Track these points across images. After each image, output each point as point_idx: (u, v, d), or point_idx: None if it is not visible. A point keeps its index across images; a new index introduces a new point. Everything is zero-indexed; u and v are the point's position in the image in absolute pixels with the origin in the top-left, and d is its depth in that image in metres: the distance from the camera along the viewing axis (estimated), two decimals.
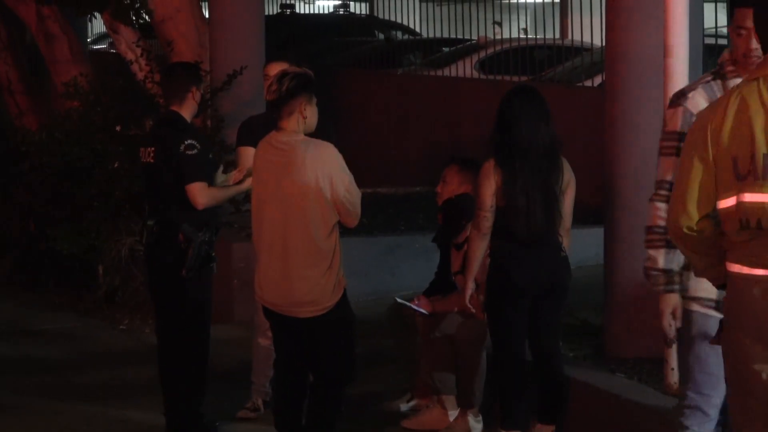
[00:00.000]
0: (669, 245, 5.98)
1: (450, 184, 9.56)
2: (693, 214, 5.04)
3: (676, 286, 5.95)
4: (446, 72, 19.77)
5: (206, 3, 15.36)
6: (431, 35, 26.52)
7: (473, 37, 24.63)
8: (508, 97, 8.63)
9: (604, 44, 11.64)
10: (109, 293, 13.81)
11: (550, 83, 14.31)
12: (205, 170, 9.30)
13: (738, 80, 5.67)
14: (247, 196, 9.31)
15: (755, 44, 5.58)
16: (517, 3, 28.31)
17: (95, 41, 22.55)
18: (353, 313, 8.61)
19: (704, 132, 5.01)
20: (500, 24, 24.48)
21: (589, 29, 18.34)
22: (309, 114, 8.41)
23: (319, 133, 8.64)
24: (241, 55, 13.98)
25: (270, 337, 8.95)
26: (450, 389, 9.43)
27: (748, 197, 4.92)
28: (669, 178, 6.00)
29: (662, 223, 5.98)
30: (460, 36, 25.24)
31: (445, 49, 22.79)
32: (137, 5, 15.49)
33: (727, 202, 4.94)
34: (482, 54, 20.55)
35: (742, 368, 4.99)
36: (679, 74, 8.04)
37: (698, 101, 5.90)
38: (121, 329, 12.88)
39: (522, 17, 28.04)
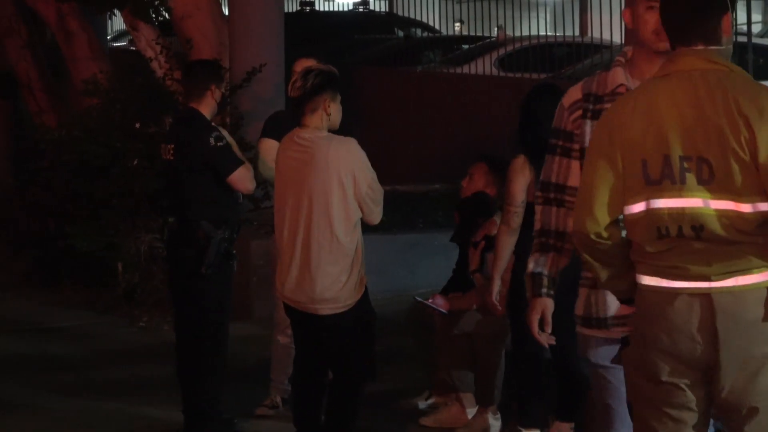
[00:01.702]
0: (542, 249, 5.89)
1: (477, 182, 9.59)
2: (601, 219, 4.93)
3: (545, 290, 5.84)
4: (466, 69, 19.79)
5: (226, 0, 15.37)
6: (450, 32, 26.57)
7: (493, 35, 24.77)
8: (537, 94, 8.64)
9: (623, 41, 11.65)
10: (128, 291, 13.85)
11: (569, 80, 14.26)
12: (237, 159, 9.36)
13: (620, 69, 5.70)
14: (266, 193, 9.31)
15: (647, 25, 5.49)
16: (537, 1, 28.36)
17: (115, 38, 22.59)
18: (374, 311, 8.64)
19: (609, 131, 4.96)
20: (503, 27, 24.54)
21: (609, 26, 18.42)
22: (333, 111, 8.45)
23: (341, 130, 8.68)
24: (260, 52, 14.01)
25: (289, 335, 9.00)
26: (468, 387, 9.46)
27: (665, 203, 4.84)
28: (543, 178, 5.95)
29: (539, 225, 5.92)
30: (479, 33, 25.37)
31: (465, 47, 22.74)
32: (157, 3, 15.52)
33: (635, 208, 4.87)
34: (501, 51, 20.55)
35: (655, 388, 4.98)
36: None
37: (572, 94, 5.81)
38: (140, 326, 12.93)
39: (542, 14, 28.09)
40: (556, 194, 5.82)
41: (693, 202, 4.71)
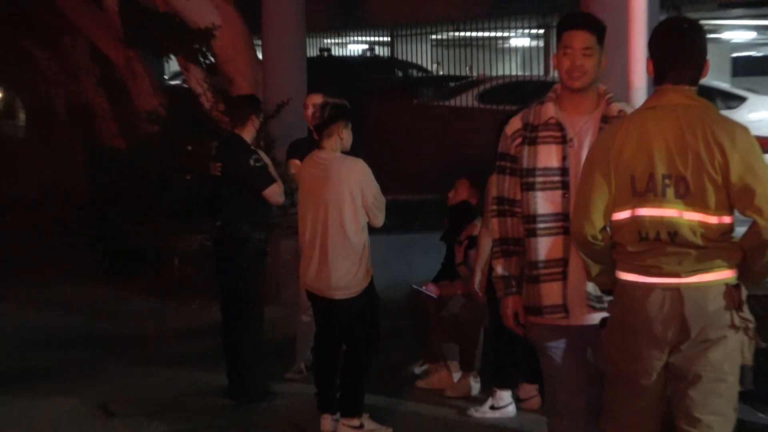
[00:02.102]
0: (505, 255, 5.88)
1: (461, 194, 9.69)
2: (597, 223, 5.07)
3: (513, 289, 5.82)
4: (452, 103, 19.80)
5: (260, 47, 15.37)
6: (440, 73, 26.56)
7: (474, 73, 24.79)
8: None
9: None
10: (182, 280, 13.92)
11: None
12: (269, 176, 9.44)
13: (550, 104, 5.71)
14: (292, 202, 9.38)
15: (579, 61, 5.57)
16: (509, 47, 28.28)
17: (171, 78, 22.56)
18: (378, 296, 8.73)
19: (605, 152, 5.05)
20: (471, 68, 24.60)
21: None
22: (345, 136, 8.58)
23: (352, 151, 8.76)
24: (287, 89, 14.04)
25: (311, 315, 9.06)
26: (454, 356, 9.54)
27: (647, 212, 4.97)
28: (495, 194, 5.97)
29: (498, 235, 5.91)
30: (463, 73, 25.36)
31: (452, 84, 22.77)
32: (204, 49, 15.53)
33: (621, 215, 5.02)
34: (481, 88, 20.57)
35: (631, 363, 5.11)
36: (639, 104, 7.94)
37: (513, 123, 5.84)
38: (192, 309, 13.01)
39: (514, 58, 28.06)
40: (509, 207, 5.84)
41: (670, 212, 4.87)
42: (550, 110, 5.72)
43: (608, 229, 5.11)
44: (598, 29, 5.70)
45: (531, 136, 5.74)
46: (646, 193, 4.92)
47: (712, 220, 4.89)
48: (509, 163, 5.81)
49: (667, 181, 4.90)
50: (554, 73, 16.85)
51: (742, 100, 21.74)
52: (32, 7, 20.07)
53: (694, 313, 4.92)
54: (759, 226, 4.83)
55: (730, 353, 4.93)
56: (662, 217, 4.90)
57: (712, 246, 4.91)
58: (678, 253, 4.92)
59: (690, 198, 4.87)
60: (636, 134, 4.98)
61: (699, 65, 5.12)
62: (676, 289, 4.94)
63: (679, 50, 5.14)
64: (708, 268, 4.93)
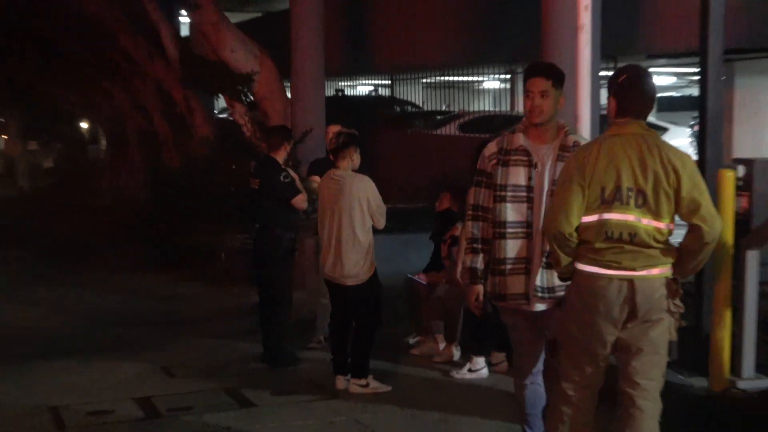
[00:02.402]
0: (474, 252, 5.94)
1: (445, 203, 9.76)
2: (574, 223, 5.13)
3: (478, 280, 5.91)
4: (439, 132, 19.81)
5: (289, 88, 15.34)
6: (429, 108, 26.54)
7: (456, 109, 24.81)
8: (482, 146, 8.67)
9: None
10: (227, 271, 13.91)
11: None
12: (297, 189, 9.42)
13: (520, 134, 5.80)
14: (314, 209, 9.38)
15: (538, 102, 5.66)
16: (483, 89, 28.22)
17: (220, 112, 22.60)
18: (380, 283, 8.75)
19: (582, 167, 5.14)
20: (449, 105, 24.60)
21: None
22: (355, 158, 8.61)
23: (360, 169, 8.75)
24: (309, 121, 14.04)
25: (328, 298, 9.05)
26: (440, 331, 9.50)
27: (613, 216, 5.09)
28: (472, 202, 6.01)
29: (470, 235, 5.97)
30: (448, 109, 25.40)
31: (438, 117, 22.76)
32: (245, 90, 15.50)
33: (590, 218, 5.11)
34: (461, 120, 20.58)
35: (590, 336, 5.23)
36: (585, 134, 7.87)
37: (491, 147, 5.92)
38: (234, 293, 12.96)
39: (487, 97, 27.99)
40: (482, 213, 5.91)
41: (632, 217, 5.05)
42: (519, 139, 5.78)
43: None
44: (554, 75, 5.77)
45: (504, 158, 5.80)
46: (614, 201, 5.07)
47: (662, 225, 5.06)
48: (485, 178, 5.87)
49: (630, 193, 5.06)
50: (518, 109, 16.75)
51: (665, 129, 21.99)
52: (112, 56, 20.02)
53: (643, 300, 5.07)
54: (703, 230, 5.00)
55: (664, 332, 5.15)
56: (625, 221, 5.06)
57: (659, 247, 5.10)
58: (634, 252, 5.07)
59: (647, 207, 5.04)
60: (606, 155, 5.09)
61: (651, 104, 5.39)
62: (630, 281, 5.07)
63: (639, 92, 5.33)
64: (655, 264, 5.10)
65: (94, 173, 34.79)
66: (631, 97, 5.28)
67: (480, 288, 5.92)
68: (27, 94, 27.92)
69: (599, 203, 5.07)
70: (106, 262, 17.21)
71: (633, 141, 5.14)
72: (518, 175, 5.73)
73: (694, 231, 5.06)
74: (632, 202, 5.07)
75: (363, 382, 8.42)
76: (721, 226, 5.27)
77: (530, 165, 5.71)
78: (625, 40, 13.98)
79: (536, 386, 5.98)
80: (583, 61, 8.02)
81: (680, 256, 5.17)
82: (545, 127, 5.74)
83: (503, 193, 5.76)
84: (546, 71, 5.78)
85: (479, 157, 6.03)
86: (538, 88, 5.67)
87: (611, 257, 5.11)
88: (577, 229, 5.14)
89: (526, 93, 5.71)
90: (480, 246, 5.89)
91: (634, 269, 5.10)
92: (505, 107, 25.85)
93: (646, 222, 5.07)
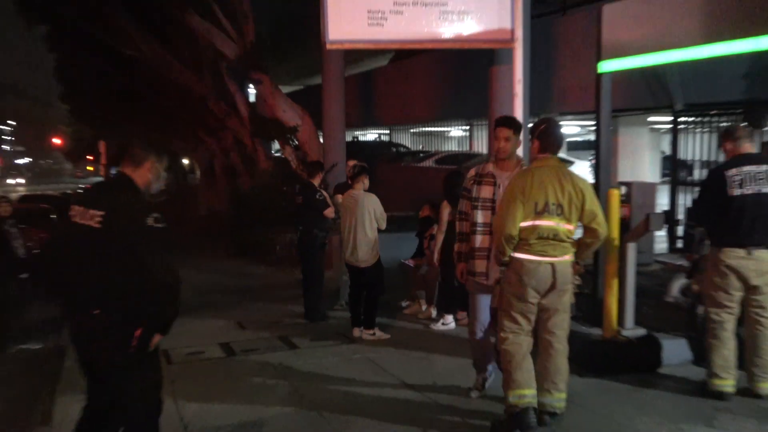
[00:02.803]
0: (460, 241, 5.98)
1: (425, 212, 9.73)
2: (517, 228, 5.11)
3: (462, 260, 5.97)
4: (421, 164, 19.76)
5: (321, 135, 15.30)
6: (415, 149, 26.49)
7: (432, 150, 24.83)
8: (450, 174, 8.66)
9: (489, 152, 11.48)
10: (281, 258, 13.90)
11: (466, 168, 14.04)
12: (327, 203, 9.40)
13: (490, 164, 5.88)
14: (338, 216, 9.35)
15: (501, 144, 5.73)
16: (450, 136, 28.18)
17: (276, 152, 22.62)
18: (382, 266, 8.68)
19: (522, 189, 5.16)
20: (423, 147, 24.54)
21: (483, 146, 18.34)
22: (366, 182, 8.60)
23: (369, 189, 8.71)
24: (335, 157, 13.96)
25: (348, 275, 8.98)
26: (422, 297, 9.48)
27: (543, 223, 5.13)
28: (460, 209, 6.02)
29: (458, 231, 6.01)
30: (428, 149, 25.33)
31: (422, 153, 22.71)
32: (292, 137, 15.51)
33: (527, 224, 5.16)
34: (436, 157, 20.51)
35: (524, 303, 5.26)
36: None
37: (471, 172, 5.96)
38: (286, 273, 12.85)
39: (453, 141, 27.99)
40: (465, 217, 5.90)
41: (553, 223, 5.14)
42: (489, 167, 5.86)
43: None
44: (515, 126, 5.83)
45: (478, 180, 5.85)
46: (543, 213, 5.10)
47: (572, 228, 5.20)
48: (467, 193, 5.90)
49: (553, 206, 5.10)
50: (475, 149, 16.47)
51: (572, 162, 21.86)
52: (204, 115, 20.01)
53: (560, 276, 5.19)
54: (598, 232, 5.23)
55: (569, 297, 5.26)
56: (550, 225, 5.14)
57: (570, 241, 5.23)
58: (555, 245, 5.17)
59: (563, 216, 5.14)
60: (537, 180, 5.14)
61: (561, 144, 5.48)
62: (553, 264, 5.18)
63: (554, 136, 5.38)
64: (567, 252, 5.23)
65: (192, 193, 35.08)
66: (549, 139, 5.31)
67: (464, 266, 5.93)
68: (152, 143, 28.09)
69: (534, 214, 5.11)
70: (202, 252, 17.20)
71: (553, 171, 5.20)
72: (487, 192, 5.76)
73: (591, 232, 5.24)
74: (554, 212, 5.13)
75: (371, 332, 8.38)
76: (608, 229, 5.54)
77: (495, 185, 5.74)
78: (545, 101, 13.91)
79: (484, 335, 5.97)
80: (518, 116, 7.97)
81: (580, 247, 5.31)
82: (507, 161, 5.77)
83: (476, 203, 5.79)
84: (509, 123, 5.82)
85: (466, 179, 6.04)
86: (503, 134, 5.73)
87: (540, 248, 5.16)
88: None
89: (496, 137, 5.77)
90: (464, 238, 5.91)
91: (555, 256, 5.18)
92: (465, 148, 25.92)
93: (563, 226, 5.16)
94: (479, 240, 5.80)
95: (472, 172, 5.96)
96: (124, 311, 3.83)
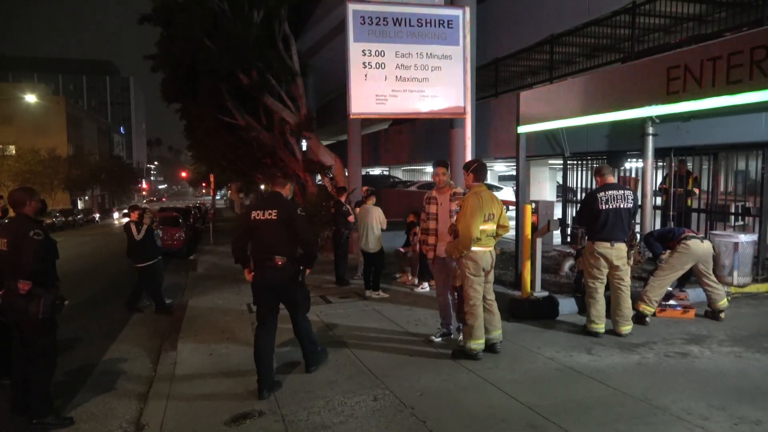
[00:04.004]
0: (429, 236, 5.58)
1: (410, 218, 9.42)
2: (478, 232, 4.88)
3: (432, 249, 5.60)
4: (408, 189, 19.60)
5: (346, 170, 15.18)
6: (405, 179, 26.34)
7: (415, 179, 24.72)
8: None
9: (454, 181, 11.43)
10: (322, 247, 13.61)
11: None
12: (350, 212, 9.24)
13: (434, 190, 5.57)
14: (356, 222, 9.22)
15: (439, 177, 5.50)
16: (426, 171, 28.06)
17: (318, 181, 22.52)
18: (384, 252, 8.49)
19: (479, 206, 4.95)
20: (408, 182, 24.17)
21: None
22: (374, 200, 8.49)
23: (376, 204, 8.59)
24: (355, 184, 13.88)
25: (362, 258, 8.84)
26: (408, 271, 9.26)
27: (489, 227, 4.99)
28: (423, 217, 5.66)
29: (424, 226, 5.69)
30: (412, 180, 25.22)
31: (409, 182, 22.55)
32: (329, 172, 15.40)
33: (481, 227, 4.89)
34: (417, 184, 20.39)
35: (477, 273, 5.02)
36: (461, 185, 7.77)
37: (425, 195, 5.67)
38: (325, 256, 12.48)
39: (428, 174, 27.87)
40: (426, 219, 5.64)
41: (493, 226, 5.01)
42: (433, 192, 5.63)
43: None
44: (446, 165, 5.63)
45: (428, 200, 5.63)
46: (489, 220, 4.92)
47: (495, 227, 5.04)
48: (424, 208, 5.66)
49: (492, 216, 4.96)
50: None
51: (501, 188, 21.67)
52: (275, 159, 19.85)
53: (494, 258, 5.11)
54: (507, 228, 5.14)
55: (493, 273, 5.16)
56: (492, 228, 4.94)
57: (495, 237, 5.07)
58: (491, 239, 5.04)
59: (494, 221, 5.04)
60: (484, 200, 4.96)
61: (487, 177, 5.19)
62: (491, 251, 5.05)
63: (483, 171, 5.12)
64: (495, 244, 5.12)
65: None
66: (480, 173, 5.12)
67: (432, 252, 5.64)
68: (243, 175, 27.77)
69: (484, 221, 4.95)
70: None
71: (487, 193, 5.05)
72: (432, 208, 5.59)
73: (504, 228, 5.12)
74: (491, 219, 5.00)
75: (377, 293, 8.20)
76: (523, 229, 5.79)
77: (437, 204, 5.57)
78: (484, 150, 13.79)
79: (444, 297, 5.75)
80: (467, 159, 7.91)
81: (496, 237, 5.12)
82: (443, 188, 5.58)
83: (426, 216, 5.63)
84: (443, 164, 5.66)
85: (424, 198, 5.80)
86: (440, 170, 5.56)
87: (485, 242, 5.00)
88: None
89: (435, 173, 5.59)
90: (432, 233, 5.62)
91: (492, 247, 5.07)
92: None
93: (495, 227, 5.05)
94: (431, 238, 5.58)
95: (426, 195, 5.65)
96: (291, 257, 4.57)
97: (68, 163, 45.98)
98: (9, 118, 47.95)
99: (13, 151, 43.43)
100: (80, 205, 52.99)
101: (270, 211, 4.55)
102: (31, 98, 39.61)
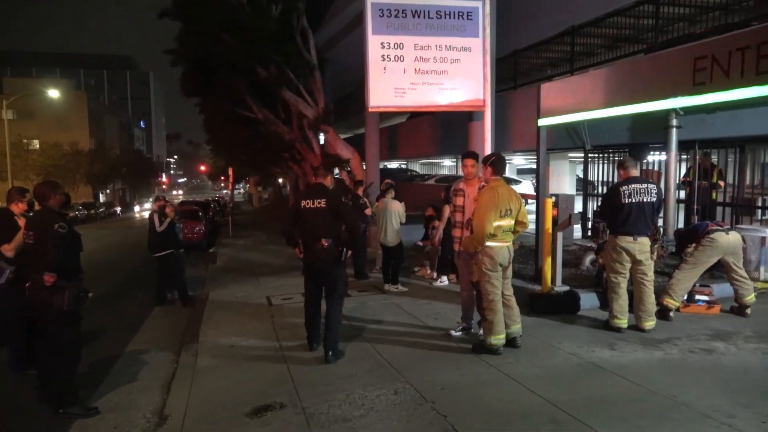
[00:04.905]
0: (460, 229, 5.49)
1: (429, 212, 9.35)
2: (493, 227, 4.83)
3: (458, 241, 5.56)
4: (426, 183, 19.53)
5: (364, 163, 15.15)
6: (423, 173, 26.27)
7: (433, 173, 24.61)
8: (448, 188, 8.52)
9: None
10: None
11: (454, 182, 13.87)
12: (367, 205, 9.20)
13: (462, 181, 5.49)
14: (374, 215, 9.20)
15: (468, 170, 5.39)
16: (443, 165, 27.92)
17: (336, 174, 22.51)
18: (403, 245, 8.47)
19: (495, 201, 4.86)
20: (426, 175, 24.01)
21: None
22: (393, 193, 8.46)
23: (395, 197, 8.57)
24: (372, 178, 13.86)
25: (381, 251, 8.83)
26: (427, 265, 9.22)
27: (505, 222, 4.90)
28: (451, 209, 5.58)
29: (456, 218, 5.55)
30: (429, 173, 25.12)
31: (426, 176, 22.46)
32: (347, 165, 15.38)
33: (497, 223, 4.83)
34: (436, 177, 20.31)
35: (494, 268, 4.96)
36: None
37: (453, 186, 5.60)
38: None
39: (444, 168, 27.73)
40: (456, 211, 5.54)
41: (511, 222, 4.93)
42: (461, 184, 5.54)
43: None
44: (475, 156, 5.51)
45: (456, 192, 5.55)
46: (505, 216, 4.83)
47: (513, 222, 4.97)
48: (453, 197, 5.59)
49: (509, 211, 4.87)
50: (459, 173, 15.96)
51: (520, 182, 21.50)
52: (293, 153, 19.91)
53: (512, 254, 5.06)
54: (526, 224, 5.02)
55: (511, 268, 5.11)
56: (509, 224, 4.86)
57: (513, 233, 5.02)
58: (510, 235, 4.97)
59: (512, 216, 4.94)
60: (500, 195, 4.89)
61: (505, 170, 5.14)
62: (508, 247, 4.98)
63: (502, 165, 5.11)
64: (513, 240, 5.04)
65: (285, 200, 34.94)
66: (498, 167, 5.05)
67: (458, 244, 5.56)
68: (260, 168, 27.99)
69: (500, 217, 4.87)
70: (274, 237, 17.16)
71: (505, 188, 4.96)
72: (459, 200, 5.52)
73: (522, 224, 5.02)
74: (509, 215, 4.92)
75: (396, 286, 8.17)
76: (543, 223, 5.71)
77: (464, 196, 5.49)
78: (503, 143, 13.70)
79: (468, 291, 5.69)
80: (486, 153, 7.84)
81: (515, 232, 5.05)
82: (472, 179, 5.49)
83: (453, 208, 5.56)
84: (472, 155, 5.57)
85: (451, 189, 5.72)
86: (469, 162, 5.47)
87: (502, 237, 4.93)
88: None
89: (463, 164, 5.53)
90: (462, 226, 5.51)
91: (510, 242, 5.00)
92: (454, 172, 25.69)
93: (513, 223, 4.98)
94: (458, 231, 5.51)
95: (454, 185, 5.62)
96: (336, 240, 5.15)
97: (90, 157, 46.63)
98: (32, 113, 48.72)
99: (37, 146, 44.18)
100: (102, 198, 53.80)
101: (319, 201, 5.20)
102: (54, 93, 40.10)
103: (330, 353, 5.09)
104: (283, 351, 5.52)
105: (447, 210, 8.19)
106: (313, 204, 5.22)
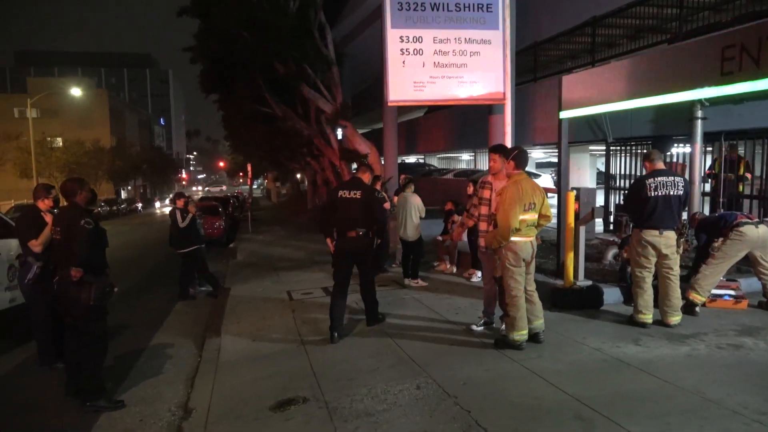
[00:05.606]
0: (488, 222, 5.46)
1: (448, 206, 9.34)
2: (517, 222, 4.78)
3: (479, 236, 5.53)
4: (444, 177, 19.42)
5: (382, 158, 15.12)
6: (441, 167, 26.09)
7: (451, 167, 24.46)
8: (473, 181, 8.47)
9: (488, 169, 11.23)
10: None
11: (477, 177, 13.81)
12: (384, 200, 9.14)
13: (490, 176, 5.41)
14: (393, 208, 9.17)
15: (492, 164, 5.32)
16: (461, 159, 27.75)
17: (354, 169, 22.50)
18: (422, 240, 8.43)
19: (519, 195, 4.81)
20: (443, 170, 23.81)
21: (484, 165, 17.91)
22: (411, 188, 8.43)
23: (415, 191, 8.53)
24: (391, 172, 13.79)
25: (400, 246, 8.80)
26: (446, 260, 9.18)
27: (530, 216, 4.83)
28: (474, 202, 5.60)
29: (482, 211, 5.50)
30: (447, 168, 24.96)
31: (444, 170, 22.31)
32: (365, 160, 15.33)
33: (521, 217, 4.79)
34: (454, 172, 20.17)
35: (517, 264, 4.91)
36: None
37: (481, 180, 5.54)
38: None
39: (463, 162, 27.55)
40: (482, 204, 5.49)
41: (534, 216, 4.89)
42: (488, 178, 5.49)
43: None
44: (501, 150, 5.40)
45: (483, 185, 5.51)
46: (529, 210, 4.79)
47: (537, 217, 4.93)
48: (480, 191, 5.53)
49: (533, 205, 4.82)
50: (477, 167, 15.92)
51: (539, 175, 21.30)
52: (311, 148, 19.97)
53: (535, 249, 5.05)
54: (549, 217, 5.00)
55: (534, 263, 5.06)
56: (533, 218, 4.82)
57: (538, 227, 4.98)
58: (533, 229, 4.94)
59: (535, 210, 4.90)
60: (524, 189, 4.86)
61: (527, 164, 5.09)
62: (531, 241, 4.96)
63: (525, 158, 5.05)
64: (536, 234, 5.02)
65: (303, 195, 35.08)
66: (521, 161, 4.99)
67: (480, 238, 5.54)
68: (278, 164, 28.08)
69: (524, 211, 4.83)
70: (310, 231, 17.22)
71: (529, 182, 4.93)
72: (486, 194, 5.46)
73: (545, 217, 5.00)
74: (533, 209, 4.88)
75: (416, 281, 8.16)
76: (565, 217, 5.66)
77: (491, 189, 5.43)
78: (524, 137, 13.55)
79: (491, 286, 5.62)
80: (507, 145, 7.77)
81: (538, 226, 5.01)
82: (499, 174, 5.39)
83: (479, 201, 5.52)
84: (498, 149, 5.48)
85: (479, 183, 5.63)
86: (494, 157, 5.39)
87: (526, 232, 4.88)
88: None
89: (491, 158, 5.46)
90: (487, 220, 5.45)
91: (533, 237, 4.97)
92: (471, 167, 25.50)
93: (537, 217, 4.94)
94: (482, 224, 5.45)
95: (482, 179, 5.55)
96: (369, 230, 5.65)
97: (111, 154, 47.32)
98: (55, 112, 49.59)
99: (60, 144, 44.95)
100: (123, 195, 54.61)
101: (355, 192, 5.69)
102: (75, 92, 40.75)
103: (372, 322, 5.99)
104: (304, 345, 5.55)
105: (465, 218, 8.17)
106: (349, 194, 5.67)
